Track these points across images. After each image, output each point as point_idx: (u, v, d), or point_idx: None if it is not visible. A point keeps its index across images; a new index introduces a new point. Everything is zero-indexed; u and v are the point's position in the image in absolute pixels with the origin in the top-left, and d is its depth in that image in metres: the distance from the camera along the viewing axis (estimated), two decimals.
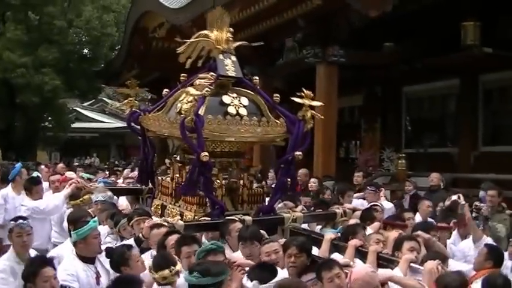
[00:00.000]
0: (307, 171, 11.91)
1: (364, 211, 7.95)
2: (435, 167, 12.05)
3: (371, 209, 8.20)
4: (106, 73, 28.21)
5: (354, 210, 7.86)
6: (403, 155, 14.12)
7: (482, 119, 15.26)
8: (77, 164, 26.74)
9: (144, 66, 21.60)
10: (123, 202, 8.94)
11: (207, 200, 6.63)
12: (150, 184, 8.24)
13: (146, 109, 7.72)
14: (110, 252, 5.68)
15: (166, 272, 5.05)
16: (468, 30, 13.08)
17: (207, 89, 6.47)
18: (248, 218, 6.47)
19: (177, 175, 7.25)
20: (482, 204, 8.60)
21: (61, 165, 15.88)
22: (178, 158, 7.43)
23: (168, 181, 7.44)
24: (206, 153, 6.22)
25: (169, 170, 7.69)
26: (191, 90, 6.39)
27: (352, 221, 7.20)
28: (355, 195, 9.91)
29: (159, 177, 7.92)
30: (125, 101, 7.77)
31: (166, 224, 6.19)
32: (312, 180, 11.25)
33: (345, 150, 20.93)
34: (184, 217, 6.71)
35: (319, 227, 7.58)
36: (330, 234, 6.42)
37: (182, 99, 6.64)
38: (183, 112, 6.28)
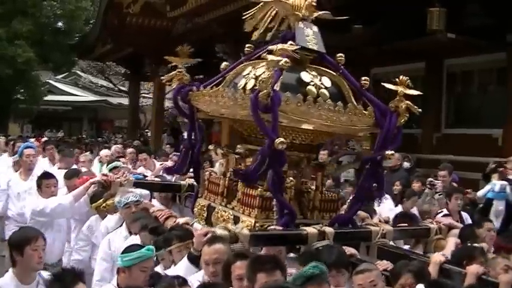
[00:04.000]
0: None
1: (465, 228, 6.37)
2: (399, 147, 12.45)
3: (473, 226, 6.67)
4: (80, 47, 28.27)
5: (450, 227, 6.28)
6: (368, 134, 14.43)
7: (446, 102, 15.81)
8: (47, 137, 26.59)
9: (118, 41, 21.79)
10: (156, 205, 7.02)
11: (274, 203, 5.22)
12: (190, 180, 6.98)
13: (197, 84, 6.08)
14: (154, 278, 4.61)
15: None
16: (433, 16, 13.50)
17: (286, 59, 4.90)
18: (330, 230, 5.11)
19: (233, 170, 5.88)
20: (436, 181, 9.30)
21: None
22: (237, 149, 6.01)
23: (219, 176, 6.12)
24: (282, 140, 4.80)
25: (219, 163, 6.55)
26: (270, 57, 4.91)
27: (451, 241, 5.87)
28: None
29: (207, 172, 6.61)
30: (173, 72, 6.25)
31: (227, 232, 4.79)
32: None
33: None
34: (241, 223, 5.25)
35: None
36: (438, 256, 4.95)
37: (247, 74, 5.46)
38: (257, 84, 4.89)
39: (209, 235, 4.67)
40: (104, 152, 11.83)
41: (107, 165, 8.94)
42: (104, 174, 7.23)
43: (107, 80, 42.03)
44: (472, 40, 13.32)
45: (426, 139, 15.71)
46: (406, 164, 11.50)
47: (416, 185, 9.89)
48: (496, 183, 9.71)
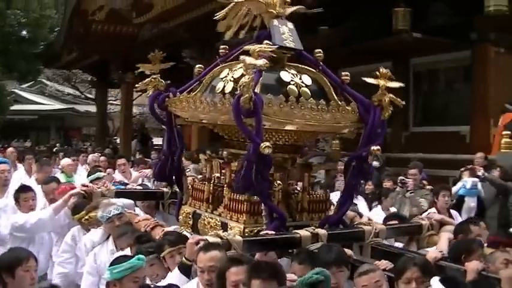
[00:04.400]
0: None
1: (460, 224, 6.23)
2: None
3: (468, 222, 6.48)
4: (46, 55, 28.09)
5: (442, 222, 6.22)
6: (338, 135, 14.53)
7: (413, 101, 15.96)
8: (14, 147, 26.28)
9: (84, 48, 21.65)
10: (138, 211, 7.02)
11: (262, 207, 5.14)
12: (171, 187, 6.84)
13: (173, 90, 5.90)
14: None
15: None
16: (399, 16, 13.77)
17: (264, 60, 4.73)
18: (323, 232, 4.99)
19: (217, 175, 5.86)
20: (407, 179, 9.41)
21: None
22: (220, 153, 5.87)
23: (203, 183, 5.97)
24: (268, 144, 4.65)
25: (204, 169, 6.32)
26: (248, 59, 4.72)
27: (443, 236, 5.76)
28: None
29: (190, 178, 6.48)
30: (147, 79, 6.09)
31: (219, 239, 4.57)
32: None
33: None
34: (229, 229, 5.14)
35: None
36: (434, 252, 4.97)
37: (225, 77, 5.35)
38: (238, 88, 4.69)
39: (201, 243, 4.45)
40: (65, 161, 11.17)
41: (88, 176, 8.63)
42: (83, 185, 7.03)
43: (74, 88, 41.69)
44: (436, 39, 13.53)
45: (395, 138, 15.82)
46: (376, 163, 11.54)
47: (387, 184, 10.00)
48: (467, 181, 9.81)
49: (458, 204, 9.49)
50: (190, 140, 17.71)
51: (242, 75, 4.88)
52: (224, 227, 5.27)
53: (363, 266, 4.39)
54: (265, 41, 5.05)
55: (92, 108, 34.19)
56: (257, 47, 4.83)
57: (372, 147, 5.18)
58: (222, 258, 4.20)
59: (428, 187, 9.60)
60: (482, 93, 13.50)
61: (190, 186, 6.16)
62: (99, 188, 6.83)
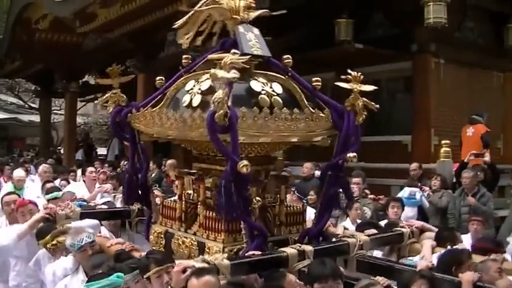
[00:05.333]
0: (174, 162, 12.23)
1: (442, 231, 6.26)
2: (312, 156, 12.66)
3: (452, 229, 6.78)
4: None
5: (422, 229, 6.18)
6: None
7: None
8: None
9: (28, 57, 21.36)
10: (104, 232, 6.69)
11: (242, 225, 4.85)
12: (139, 205, 6.54)
13: (136, 105, 5.69)
14: None
15: None
16: (341, 27, 13.99)
17: (236, 72, 4.53)
18: (309, 248, 4.76)
19: (189, 192, 5.60)
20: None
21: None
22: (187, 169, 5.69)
23: (175, 200, 5.69)
24: (246, 163, 4.41)
25: (176, 185, 5.95)
26: (220, 73, 4.51)
27: (426, 244, 5.78)
28: None
29: (159, 196, 6.35)
30: (107, 94, 5.89)
31: (206, 264, 4.21)
32: None
33: None
34: (207, 249, 4.95)
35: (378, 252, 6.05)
36: (423, 263, 4.99)
37: (191, 89, 5.07)
38: (213, 103, 4.39)
39: (189, 270, 4.06)
40: (17, 174, 10.65)
41: (45, 195, 8.21)
42: (46, 207, 6.59)
43: (17, 97, 41.02)
44: (378, 50, 13.76)
45: None
46: (317, 173, 11.68)
47: None
48: (405, 190, 9.99)
49: None
50: None
51: (211, 88, 4.77)
52: (201, 246, 5.04)
53: (362, 280, 4.27)
54: (233, 50, 4.82)
55: (36, 118, 33.67)
56: (228, 58, 4.60)
57: (348, 155, 4.99)
58: (217, 285, 3.96)
59: (370, 196, 9.76)
60: (423, 103, 13.76)
61: (160, 204, 5.91)
62: (62, 210, 6.43)
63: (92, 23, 14.91)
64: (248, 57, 4.87)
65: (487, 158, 10.92)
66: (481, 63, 14.90)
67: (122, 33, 15.01)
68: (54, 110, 33.19)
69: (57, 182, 10.85)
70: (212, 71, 4.62)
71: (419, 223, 6.42)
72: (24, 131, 42.11)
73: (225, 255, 4.58)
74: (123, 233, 6.79)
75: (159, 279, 4.42)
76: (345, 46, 13.82)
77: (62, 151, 26.83)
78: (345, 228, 6.54)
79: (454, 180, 10.88)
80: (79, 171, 13.45)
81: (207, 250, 4.92)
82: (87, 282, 4.25)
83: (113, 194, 9.49)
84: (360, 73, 5.25)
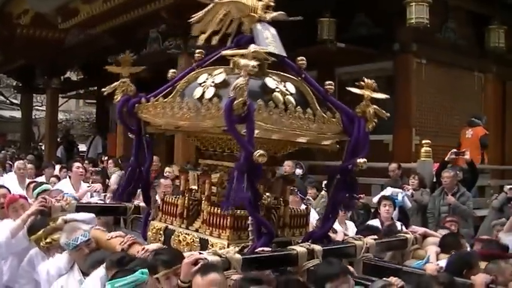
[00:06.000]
0: (157, 158, 12.09)
1: (446, 237, 6.12)
2: (294, 155, 12.68)
3: (456, 234, 6.63)
4: None
5: (425, 235, 6.11)
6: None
7: None
8: None
9: (9, 53, 21.23)
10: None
11: (249, 222, 4.72)
12: (133, 201, 6.35)
13: (145, 95, 5.42)
14: None
15: None
16: (324, 26, 14.07)
17: (254, 62, 4.43)
18: (318, 248, 4.69)
19: (194, 187, 5.44)
20: None
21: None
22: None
23: (176, 196, 5.56)
24: (262, 152, 4.31)
25: (177, 181, 5.75)
26: (242, 61, 4.43)
27: (431, 249, 5.65)
28: None
29: (160, 191, 6.14)
30: (116, 83, 5.57)
31: (218, 257, 4.12)
32: (168, 169, 11.02)
33: None
34: (210, 246, 4.81)
35: None
36: (432, 266, 4.90)
37: (203, 82, 4.90)
38: (234, 89, 4.31)
39: (200, 263, 3.97)
40: None
41: (34, 190, 7.83)
42: (42, 198, 6.26)
43: None
44: (360, 49, 13.84)
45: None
46: (299, 171, 11.71)
47: (311, 192, 10.12)
48: (388, 189, 10.04)
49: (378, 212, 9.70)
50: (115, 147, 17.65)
51: (225, 81, 4.71)
52: (203, 243, 4.91)
53: (377, 282, 4.20)
54: (252, 45, 4.67)
55: (17, 114, 33.51)
56: (252, 48, 4.54)
57: (358, 160, 4.93)
58: (223, 282, 3.85)
59: None
60: (404, 103, 13.83)
61: (160, 199, 5.69)
62: (58, 201, 6.17)
63: (74, 18, 14.84)
64: (269, 50, 4.82)
65: (467, 156, 11.02)
66: (462, 64, 15.06)
67: (104, 29, 14.97)
68: (35, 106, 33.01)
69: (41, 179, 10.81)
70: (235, 59, 4.58)
71: (423, 229, 6.35)
72: (5, 127, 41.85)
73: (236, 249, 4.45)
74: (118, 229, 6.39)
75: (168, 281, 4.26)
76: (327, 45, 13.89)
77: (43, 147, 26.72)
78: (334, 232, 6.48)
79: (435, 179, 10.95)
80: (57, 168, 13.26)
81: (210, 247, 4.76)
82: (111, 279, 4.11)
83: (103, 194, 9.14)
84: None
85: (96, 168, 13.23)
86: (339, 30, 14.17)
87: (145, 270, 4.13)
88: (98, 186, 9.76)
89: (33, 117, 30.36)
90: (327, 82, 5.21)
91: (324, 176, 11.40)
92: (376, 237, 5.76)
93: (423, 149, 11.75)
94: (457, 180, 10.01)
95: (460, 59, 14.86)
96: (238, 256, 4.18)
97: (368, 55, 14.03)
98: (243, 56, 4.50)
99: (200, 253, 4.20)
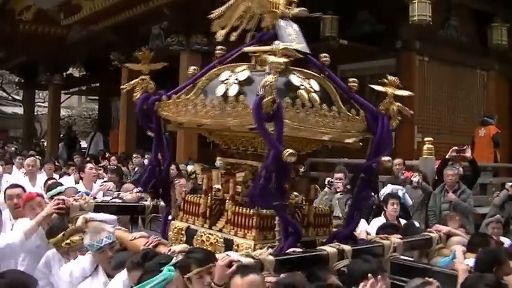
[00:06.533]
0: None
1: (474, 236, 6.09)
2: None
3: (485, 235, 6.45)
4: None
5: (449, 234, 6.06)
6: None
7: None
8: None
9: (11, 49, 21.26)
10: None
11: (276, 222, 4.63)
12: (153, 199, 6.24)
13: (165, 93, 5.29)
14: None
15: None
16: (326, 23, 14.04)
17: (284, 60, 4.35)
18: (348, 248, 4.61)
19: (217, 186, 5.28)
20: (335, 182, 9.62)
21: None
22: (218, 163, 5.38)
23: (199, 195, 5.44)
24: (292, 151, 4.18)
25: (200, 180, 5.78)
26: (271, 58, 4.32)
27: (458, 248, 5.50)
28: None
29: (181, 190, 6.07)
30: (135, 80, 5.43)
31: (251, 259, 4.05)
32: None
33: None
34: (235, 246, 4.71)
35: None
36: (462, 265, 4.75)
37: (226, 79, 4.80)
38: (263, 87, 4.17)
39: (235, 265, 3.90)
40: None
41: (47, 192, 7.62)
42: (59, 200, 6.07)
43: (0, 89, 40.79)
44: (362, 46, 13.84)
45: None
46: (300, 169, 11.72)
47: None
48: (388, 187, 10.01)
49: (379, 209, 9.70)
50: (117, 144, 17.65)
51: (249, 78, 4.65)
52: (227, 243, 4.80)
53: (414, 280, 4.14)
54: (276, 42, 4.57)
55: (20, 110, 33.53)
56: (281, 45, 4.43)
57: (383, 158, 4.83)
58: (262, 284, 3.79)
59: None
60: (407, 100, 13.75)
61: (181, 199, 5.58)
62: (76, 201, 6.05)
63: (77, 15, 14.86)
64: (296, 47, 4.70)
65: (468, 153, 11.01)
66: (464, 62, 15.04)
67: (107, 26, 14.98)
68: (38, 102, 33.05)
69: (40, 176, 10.78)
70: (264, 56, 4.49)
71: (447, 228, 6.25)
72: (7, 123, 41.86)
73: (270, 250, 4.34)
74: (134, 230, 6.26)
75: (200, 280, 4.10)
76: (330, 42, 13.87)
77: (45, 143, 26.75)
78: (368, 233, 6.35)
79: (436, 177, 10.94)
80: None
81: (235, 247, 4.67)
82: (138, 282, 4.07)
83: (116, 193, 8.61)
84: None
85: (111, 166, 13.00)
86: (341, 28, 14.16)
87: (172, 267, 4.08)
88: (111, 184, 9.44)
89: (35, 113, 30.43)
90: (350, 79, 5.08)
91: (327, 173, 11.48)
92: (400, 236, 5.69)
93: (425, 147, 11.71)
94: (458, 178, 10.02)
95: (462, 56, 14.85)
96: (271, 258, 4.09)
97: (371, 52, 14.05)
98: (270, 52, 4.41)
99: (227, 255, 4.13)
